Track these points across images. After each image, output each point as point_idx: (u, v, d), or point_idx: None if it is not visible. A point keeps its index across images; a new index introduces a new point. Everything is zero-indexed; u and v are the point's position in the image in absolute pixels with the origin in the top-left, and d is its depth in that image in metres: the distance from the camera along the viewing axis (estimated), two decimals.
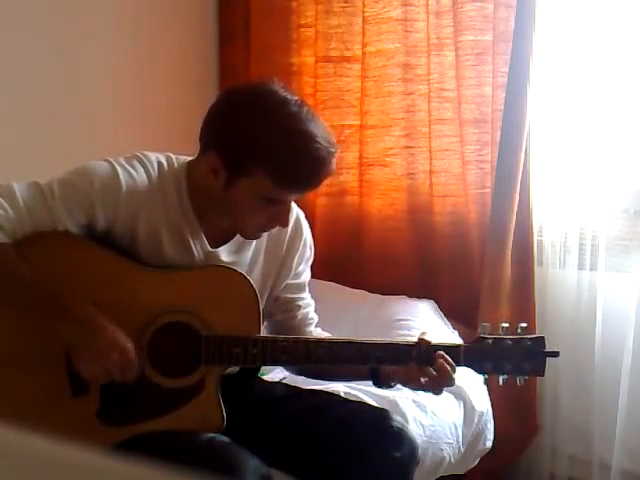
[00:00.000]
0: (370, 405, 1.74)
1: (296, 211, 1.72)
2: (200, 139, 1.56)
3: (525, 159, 2.50)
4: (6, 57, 2.55)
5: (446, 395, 2.23)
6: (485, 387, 2.39)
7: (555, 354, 1.58)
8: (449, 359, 1.54)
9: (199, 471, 1.38)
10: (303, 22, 2.98)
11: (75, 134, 2.72)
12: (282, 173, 1.46)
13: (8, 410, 1.49)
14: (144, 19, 2.95)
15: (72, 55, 2.74)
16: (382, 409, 1.72)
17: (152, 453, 1.41)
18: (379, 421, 1.60)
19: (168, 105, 3.01)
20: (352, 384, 2.05)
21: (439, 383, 1.55)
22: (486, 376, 1.61)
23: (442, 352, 1.54)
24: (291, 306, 1.74)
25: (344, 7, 2.89)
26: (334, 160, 1.49)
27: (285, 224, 1.56)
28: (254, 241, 1.66)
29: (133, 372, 1.48)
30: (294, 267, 1.72)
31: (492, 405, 2.38)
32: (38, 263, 1.49)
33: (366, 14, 2.84)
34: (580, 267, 2.57)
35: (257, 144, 1.46)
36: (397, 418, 1.65)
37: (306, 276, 1.77)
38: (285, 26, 2.99)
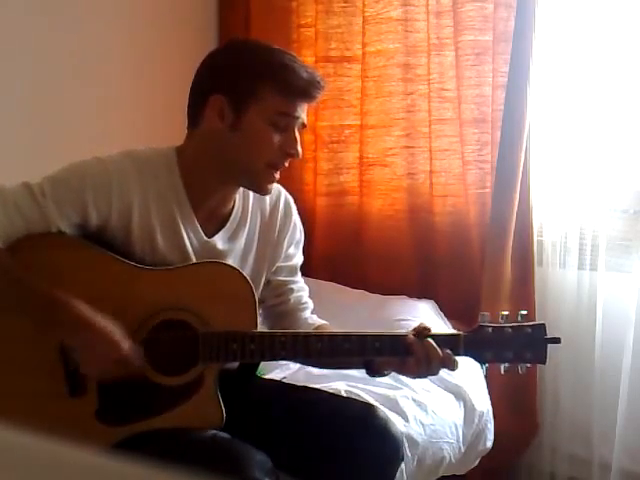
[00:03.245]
0: (358, 401, 1.73)
1: (284, 195, 1.75)
2: (192, 104, 1.60)
3: (525, 159, 2.50)
4: (6, 55, 2.55)
5: (446, 395, 2.23)
6: (485, 386, 2.39)
7: (556, 340, 1.57)
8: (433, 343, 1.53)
9: (204, 467, 1.38)
10: (303, 22, 2.98)
11: (73, 133, 2.72)
12: (287, 81, 1.53)
13: (7, 410, 1.48)
14: (144, 19, 2.95)
15: (72, 55, 2.74)
16: (369, 405, 1.71)
17: (154, 452, 1.40)
18: (364, 416, 1.59)
19: (168, 105, 3.00)
20: (352, 382, 2.05)
21: (430, 364, 1.54)
22: (487, 365, 1.60)
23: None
24: (283, 289, 1.75)
25: (344, 7, 2.90)
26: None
27: (296, 151, 1.58)
28: (247, 227, 1.67)
29: (134, 367, 1.47)
30: (285, 249, 1.74)
31: (492, 404, 2.38)
32: (32, 266, 1.48)
33: (366, 14, 2.84)
34: (580, 267, 2.57)
35: (257, 65, 1.55)
36: (382, 414, 1.64)
37: (298, 259, 1.79)
38: (285, 26, 2.99)
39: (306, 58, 2.92)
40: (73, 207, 1.50)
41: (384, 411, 1.68)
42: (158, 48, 3.00)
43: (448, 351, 1.53)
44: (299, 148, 1.58)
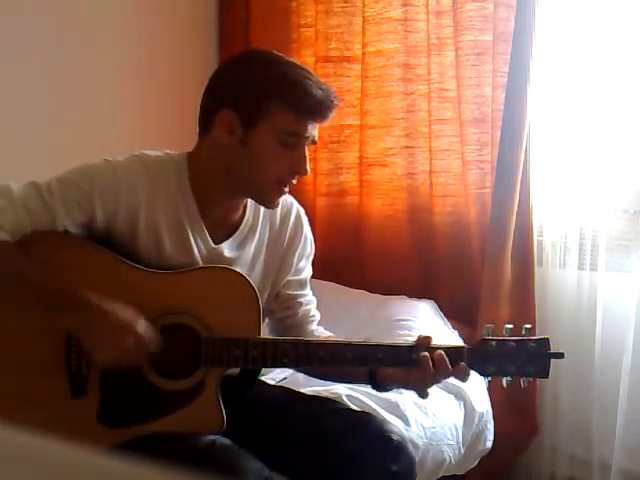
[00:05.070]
0: (372, 415, 1.70)
1: (296, 207, 1.74)
2: (203, 114, 1.59)
3: (525, 159, 2.50)
4: (6, 55, 2.55)
5: (447, 396, 2.23)
6: (485, 387, 2.38)
7: (560, 355, 1.56)
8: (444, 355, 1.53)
9: (201, 474, 1.38)
10: (303, 22, 2.98)
11: (75, 134, 2.72)
12: (297, 100, 1.51)
13: (8, 410, 1.48)
14: (144, 19, 2.95)
15: (72, 55, 2.74)
16: (383, 420, 1.70)
17: (153, 456, 1.40)
18: (379, 433, 1.57)
19: (168, 106, 3.01)
20: (353, 386, 2.05)
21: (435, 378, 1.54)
22: (489, 378, 1.59)
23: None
24: (292, 303, 1.74)
25: (344, 7, 2.90)
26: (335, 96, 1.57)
27: (304, 170, 1.57)
28: (256, 236, 1.66)
29: (150, 345, 1.46)
30: (295, 263, 1.73)
31: (492, 405, 2.38)
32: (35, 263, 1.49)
33: (366, 14, 2.84)
34: (580, 267, 2.57)
35: (268, 81, 1.52)
36: (397, 430, 1.63)
37: (307, 272, 1.78)
38: (285, 26, 2.99)
39: (306, 58, 2.93)
40: (80, 207, 1.50)
41: (397, 427, 1.67)
42: (158, 48, 3.00)
43: (462, 363, 1.52)
44: (307, 167, 1.57)
